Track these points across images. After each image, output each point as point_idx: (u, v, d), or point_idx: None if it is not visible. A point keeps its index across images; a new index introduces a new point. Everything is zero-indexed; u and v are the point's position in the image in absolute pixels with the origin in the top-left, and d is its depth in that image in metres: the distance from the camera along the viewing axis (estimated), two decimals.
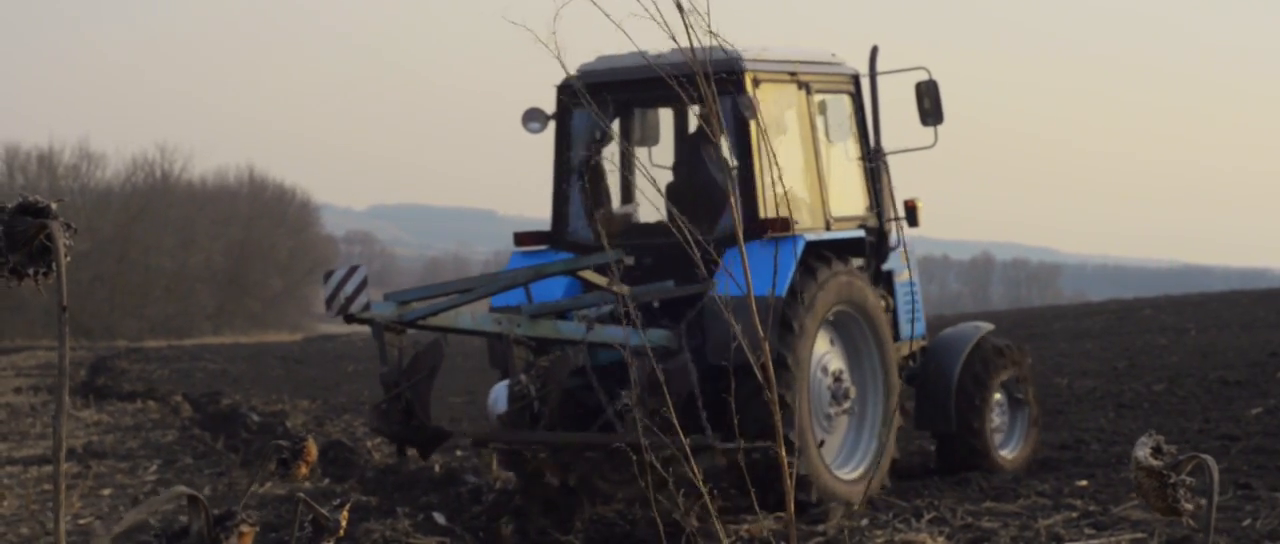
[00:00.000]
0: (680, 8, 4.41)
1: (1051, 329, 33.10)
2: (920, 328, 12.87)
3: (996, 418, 12.83)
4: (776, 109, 11.51)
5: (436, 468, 13.55)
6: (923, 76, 12.01)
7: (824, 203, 11.58)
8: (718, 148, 11.39)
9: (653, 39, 4.96)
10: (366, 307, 10.81)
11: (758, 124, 10.80)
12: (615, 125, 11.85)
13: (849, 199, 12.00)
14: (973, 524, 9.95)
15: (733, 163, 10.97)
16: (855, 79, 12.16)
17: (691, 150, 11.84)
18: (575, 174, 11.74)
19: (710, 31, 4.75)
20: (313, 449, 3.59)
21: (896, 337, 12.34)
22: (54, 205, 2.71)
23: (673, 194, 11.62)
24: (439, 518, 10.98)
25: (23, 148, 65.99)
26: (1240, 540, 8.95)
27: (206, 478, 14.26)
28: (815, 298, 11.02)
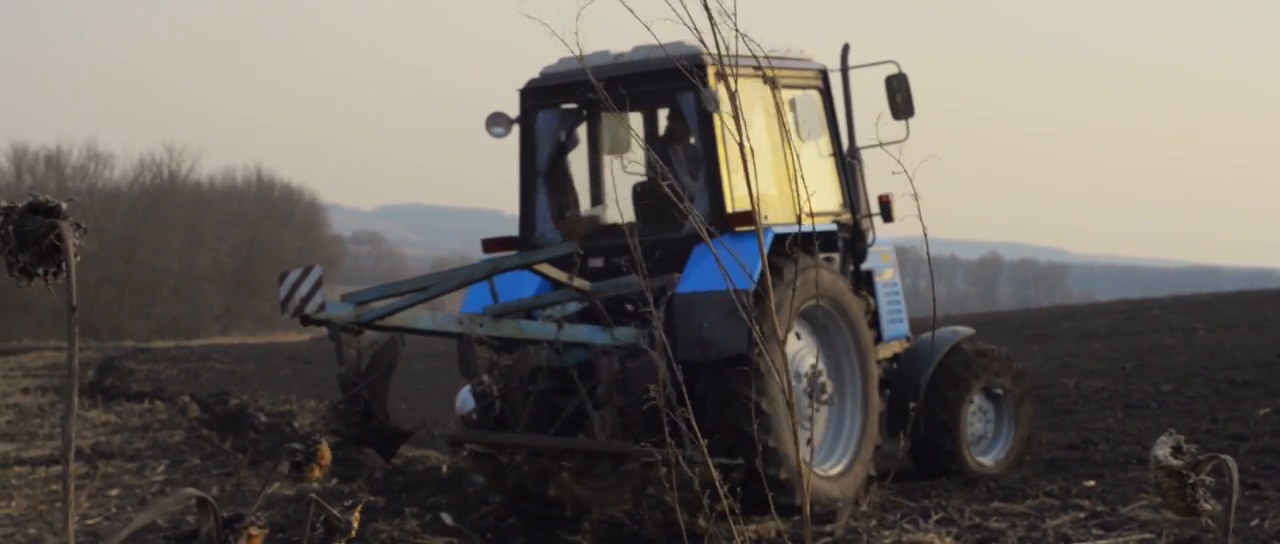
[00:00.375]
0: (707, 10, 4.40)
1: (1059, 329, 33.09)
2: (904, 328, 12.77)
3: (979, 424, 12.73)
4: (742, 104, 11.35)
5: (444, 468, 13.55)
6: (892, 70, 11.85)
7: (793, 198, 11.45)
8: (685, 147, 11.30)
9: (650, 38, 4.95)
10: (321, 307, 10.47)
11: (721, 118, 10.61)
12: (582, 129, 11.76)
13: (820, 195, 11.71)
14: (980, 525, 9.93)
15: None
16: (824, 75, 11.97)
17: (660, 150, 11.70)
18: (541, 177, 11.60)
19: (737, 32, 4.73)
20: (326, 452, 3.58)
21: (879, 338, 12.22)
22: (64, 205, 2.70)
23: (641, 194, 11.49)
24: (447, 518, 10.99)
25: (31, 148, 66.24)
26: (1249, 541, 8.92)
27: (214, 478, 14.26)
28: (785, 293, 10.91)
